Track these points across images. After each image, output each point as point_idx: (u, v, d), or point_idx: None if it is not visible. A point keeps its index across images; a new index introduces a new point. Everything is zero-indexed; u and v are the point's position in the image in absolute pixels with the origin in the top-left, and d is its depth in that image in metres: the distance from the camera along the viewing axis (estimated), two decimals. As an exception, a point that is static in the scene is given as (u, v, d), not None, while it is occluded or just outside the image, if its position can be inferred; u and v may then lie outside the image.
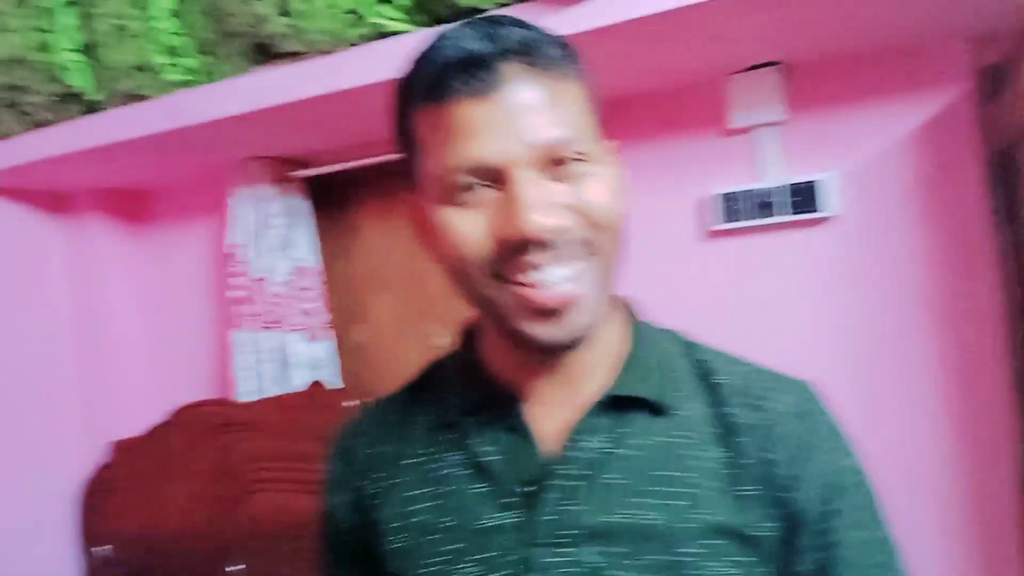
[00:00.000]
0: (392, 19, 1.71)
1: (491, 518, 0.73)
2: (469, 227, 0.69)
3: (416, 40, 0.84)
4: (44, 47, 2.11)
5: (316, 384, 2.29)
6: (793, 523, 0.71)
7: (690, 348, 0.81)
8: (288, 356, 2.36)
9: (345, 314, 2.51)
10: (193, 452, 2.44)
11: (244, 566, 2.29)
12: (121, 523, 2.55)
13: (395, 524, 0.79)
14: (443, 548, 0.75)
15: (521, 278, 0.68)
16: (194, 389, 2.61)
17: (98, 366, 2.67)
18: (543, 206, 0.66)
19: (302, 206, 2.41)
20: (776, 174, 1.88)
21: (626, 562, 0.69)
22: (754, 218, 1.87)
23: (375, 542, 0.81)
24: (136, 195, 2.76)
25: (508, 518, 0.73)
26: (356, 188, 2.49)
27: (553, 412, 0.76)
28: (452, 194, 0.69)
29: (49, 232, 2.65)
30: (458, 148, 0.67)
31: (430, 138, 0.69)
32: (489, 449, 0.76)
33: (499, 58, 0.66)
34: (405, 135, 0.74)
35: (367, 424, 0.87)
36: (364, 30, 1.72)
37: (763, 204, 1.86)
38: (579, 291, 0.69)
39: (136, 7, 1.98)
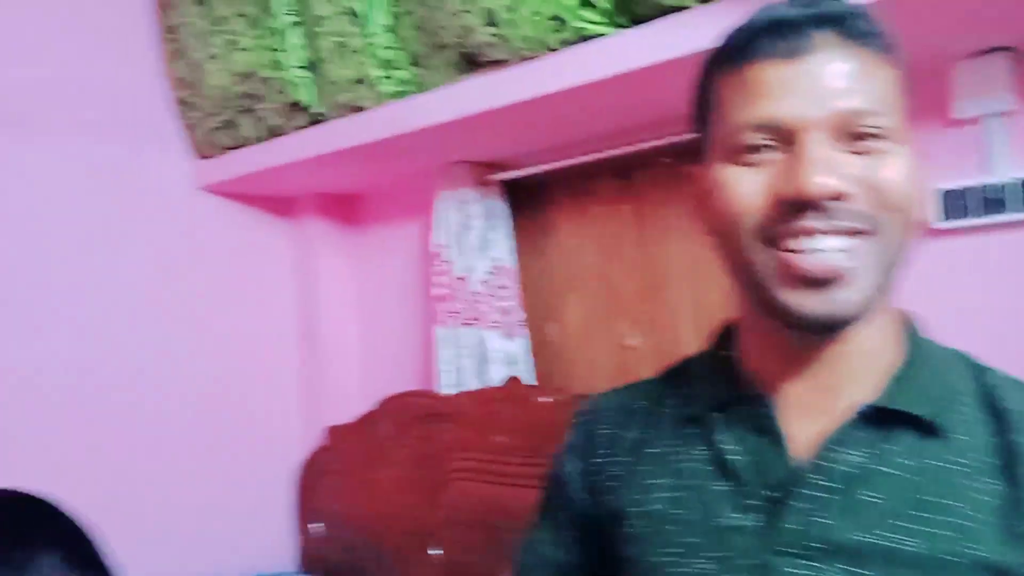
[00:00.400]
0: (594, 23, 1.74)
1: (731, 518, 0.72)
2: (748, 186, 0.68)
3: (616, 42, 0.85)
4: (275, 64, 2.33)
5: (513, 379, 2.37)
6: None
7: (979, 371, 0.74)
8: (487, 352, 2.46)
9: (539, 312, 2.58)
10: (398, 440, 2.60)
11: (442, 551, 2.41)
12: (333, 503, 2.77)
13: (633, 509, 0.79)
14: (679, 540, 0.74)
15: (791, 243, 0.66)
16: (400, 381, 2.78)
17: (315, 357, 2.91)
18: (829, 168, 0.64)
19: (500, 208, 2.50)
20: (1006, 168, 1.72)
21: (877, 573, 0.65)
22: (982, 216, 1.73)
23: (606, 521, 0.82)
24: (350, 199, 2.98)
25: (749, 520, 0.71)
26: (551, 190, 2.55)
27: (808, 418, 0.71)
28: (738, 153, 0.68)
29: (276, 233, 2.93)
30: (755, 106, 0.66)
31: (728, 100, 0.69)
32: (735, 448, 0.73)
33: (811, 24, 0.66)
34: (704, 104, 0.74)
35: (612, 406, 0.87)
36: (567, 35, 1.76)
37: (993, 201, 1.71)
38: (850, 264, 0.65)
39: (355, 25, 2.14)
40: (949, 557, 0.64)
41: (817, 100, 0.65)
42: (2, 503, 0.69)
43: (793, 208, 0.65)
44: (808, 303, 0.66)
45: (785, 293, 0.66)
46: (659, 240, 2.35)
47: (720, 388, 0.77)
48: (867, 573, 0.65)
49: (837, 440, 0.69)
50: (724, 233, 0.70)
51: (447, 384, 2.53)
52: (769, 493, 0.70)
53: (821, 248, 0.65)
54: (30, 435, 2.20)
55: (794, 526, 0.68)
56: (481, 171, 2.48)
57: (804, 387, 0.72)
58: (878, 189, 0.66)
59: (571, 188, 2.51)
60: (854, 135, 0.65)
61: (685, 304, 2.31)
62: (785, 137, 0.66)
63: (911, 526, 0.65)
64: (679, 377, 0.85)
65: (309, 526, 2.80)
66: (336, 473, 2.77)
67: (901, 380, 0.70)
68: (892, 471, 0.68)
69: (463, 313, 2.50)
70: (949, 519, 0.65)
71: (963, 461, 0.67)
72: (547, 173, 2.42)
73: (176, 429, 2.51)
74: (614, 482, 0.82)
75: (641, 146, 2.19)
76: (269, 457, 2.83)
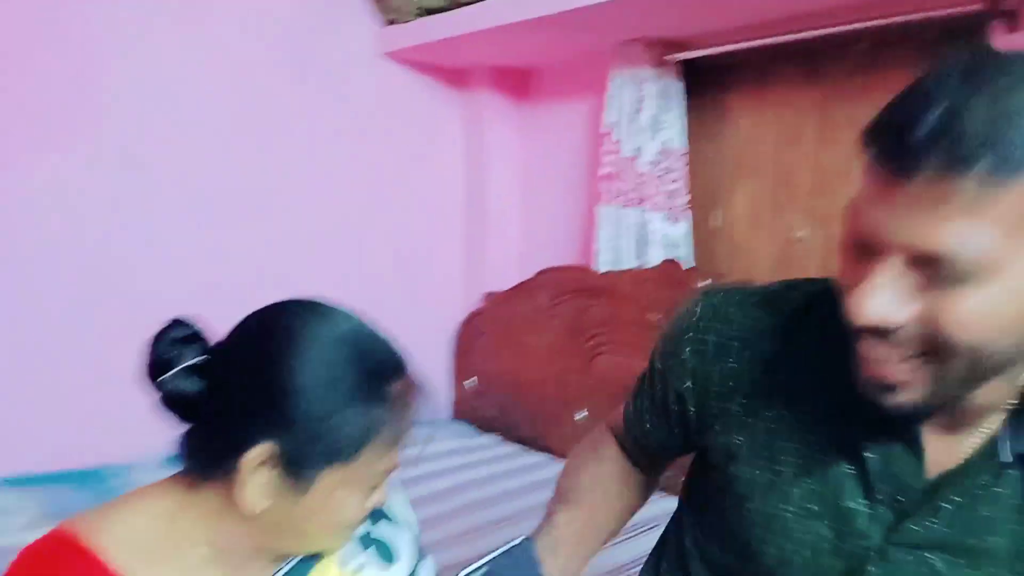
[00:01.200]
0: None
1: (856, 503, 0.79)
2: (845, 269, 0.70)
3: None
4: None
5: (670, 262, 2.41)
6: None
7: None
8: (647, 233, 2.49)
9: (706, 197, 2.57)
10: (553, 310, 2.72)
11: (587, 416, 2.55)
12: (487, 362, 2.96)
13: (752, 452, 0.84)
14: (794, 502, 0.81)
15: (859, 344, 0.69)
16: (558, 255, 2.87)
17: (479, 226, 3.05)
18: (884, 298, 0.63)
19: (676, 88, 2.47)
20: None
21: (964, 570, 0.75)
22: None
23: (711, 443, 0.89)
24: (523, 73, 3.02)
25: (873, 511, 0.78)
26: (731, 73, 2.48)
27: (938, 440, 0.76)
28: (845, 237, 0.69)
29: (450, 104, 3.03)
30: (859, 209, 0.67)
31: (861, 175, 0.68)
32: (877, 450, 0.77)
33: (924, 152, 0.60)
34: None
35: (744, 328, 0.87)
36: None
37: None
38: (904, 378, 0.67)
39: None
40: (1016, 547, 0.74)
41: (894, 229, 0.62)
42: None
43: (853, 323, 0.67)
44: (874, 397, 0.70)
45: (860, 382, 0.71)
46: (841, 132, 2.27)
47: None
48: (959, 562, 0.75)
49: (969, 469, 0.75)
50: (836, 286, 0.73)
51: (604, 262, 2.59)
52: (898, 497, 0.77)
53: (876, 357, 0.67)
54: (216, 301, 2.46)
55: (915, 527, 0.77)
56: (658, 50, 2.45)
57: (944, 416, 0.75)
58: (931, 326, 0.64)
59: (752, 72, 2.44)
60: (930, 266, 0.62)
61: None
62: (872, 251, 0.65)
63: (1006, 526, 0.74)
64: (820, 336, 0.81)
65: (464, 382, 3.02)
66: (492, 335, 2.94)
67: (1018, 422, 0.73)
68: (1000, 491, 0.75)
69: (628, 193, 2.53)
70: None
71: None
72: (727, 55, 2.35)
73: (350, 283, 2.69)
74: (734, 415, 0.86)
75: (830, 31, 2.08)
76: (432, 315, 3.04)
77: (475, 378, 2.98)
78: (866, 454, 0.77)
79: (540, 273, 2.80)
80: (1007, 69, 0.61)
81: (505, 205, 3.06)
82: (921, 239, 0.61)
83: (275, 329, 0.77)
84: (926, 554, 0.77)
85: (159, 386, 0.76)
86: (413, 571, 0.92)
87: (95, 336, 2.27)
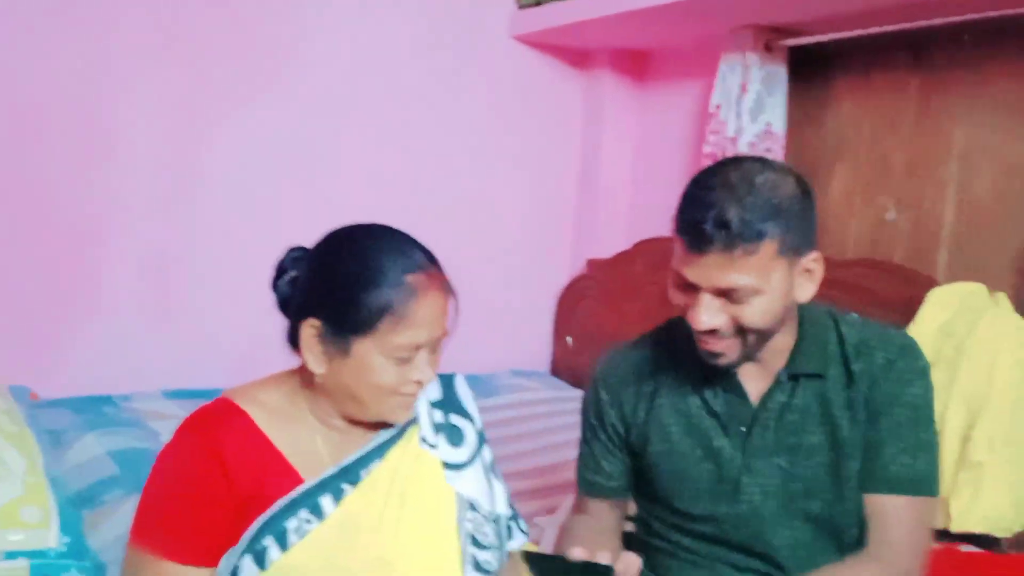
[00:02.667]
0: None
1: (719, 441, 1.22)
2: (678, 298, 1.15)
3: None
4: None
5: (762, 237, 2.53)
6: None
7: (838, 327, 1.21)
8: (742, 209, 2.63)
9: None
10: (650, 278, 2.90)
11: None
12: (586, 323, 3.17)
13: (656, 437, 1.26)
14: (687, 457, 1.23)
15: (698, 335, 1.14)
16: (663, 228, 3.03)
17: (590, 196, 3.26)
18: (708, 315, 1.10)
19: (780, 73, 2.59)
20: None
21: (802, 464, 1.18)
22: None
23: (636, 445, 1.29)
24: (641, 56, 3.20)
25: (730, 440, 1.21)
26: (836, 59, 2.57)
27: (753, 381, 1.21)
28: (674, 279, 1.14)
29: (572, 83, 3.25)
30: (679, 269, 1.12)
31: (675, 245, 1.13)
32: (717, 400, 1.22)
33: (712, 239, 1.05)
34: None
35: (631, 372, 1.30)
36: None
37: None
38: (724, 349, 1.13)
39: None
40: (834, 439, 1.17)
41: (706, 279, 1.08)
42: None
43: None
44: (709, 361, 1.17)
45: (702, 355, 1.17)
46: (940, 119, 2.33)
47: (702, 362, 1.19)
48: (795, 459, 1.18)
49: (770, 393, 1.20)
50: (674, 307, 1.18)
51: (701, 234, 2.74)
52: (740, 427, 1.21)
53: (709, 342, 1.13)
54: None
55: (757, 441, 1.20)
56: (767, 36, 2.57)
57: (749, 365, 1.20)
58: (739, 323, 1.10)
59: (857, 59, 2.52)
60: (728, 293, 1.08)
61: (951, 187, 2.30)
62: (692, 287, 1.11)
63: (814, 428, 1.18)
64: (670, 345, 1.27)
65: (566, 338, 3.25)
66: (592, 299, 3.15)
67: (796, 352, 1.19)
68: (799, 401, 1.19)
69: (727, 171, 2.66)
70: (830, 423, 1.18)
71: (833, 386, 1.19)
72: (834, 42, 2.45)
73: (470, 246, 2.92)
74: (639, 420, 1.28)
75: (937, 21, 2.16)
76: (540, 277, 3.28)
77: (570, 338, 3.20)
78: (715, 407, 1.22)
79: (639, 244, 2.98)
80: (746, 177, 1.07)
81: (616, 179, 3.25)
82: (718, 282, 1.08)
83: (330, 238, 1.06)
84: (772, 458, 1.19)
85: (274, 291, 1.07)
86: (475, 452, 1.16)
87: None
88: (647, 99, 3.20)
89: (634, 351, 1.33)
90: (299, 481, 1.01)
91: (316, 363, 1.01)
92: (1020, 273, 2.15)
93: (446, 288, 1.04)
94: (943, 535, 1.92)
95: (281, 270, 1.06)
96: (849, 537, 1.20)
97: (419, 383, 1.03)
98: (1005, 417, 1.83)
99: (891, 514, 1.15)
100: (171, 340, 2.59)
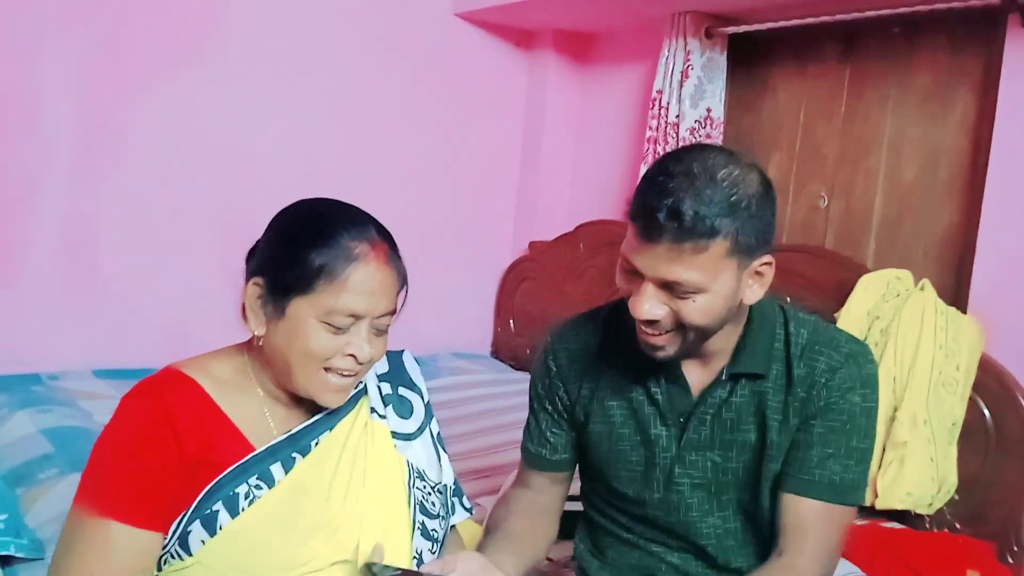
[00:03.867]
0: None
1: (656, 429, 1.23)
2: (622, 282, 1.12)
3: None
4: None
5: (700, 221, 2.58)
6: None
7: (786, 321, 1.21)
8: (682, 194, 2.67)
9: (740, 166, 2.73)
10: (590, 260, 2.93)
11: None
12: (526, 305, 3.19)
13: (597, 416, 1.27)
14: (626, 440, 1.25)
15: (639, 324, 1.13)
16: (602, 210, 3.07)
17: (532, 178, 3.27)
18: (650, 304, 1.08)
19: (720, 60, 2.63)
20: None
21: (734, 459, 1.19)
22: None
23: (578, 419, 1.29)
24: (583, 37, 3.21)
25: (668, 430, 1.22)
26: (774, 48, 2.63)
27: (696, 375, 1.21)
28: (622, 263, 1.11)
29: (515, 62, 3.24)
30: (626, 255, 1.10)
31: (628, 229, 1.11)
32: (659, 390, 1.22)
33: (662, 216, 1.02)
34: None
35: (579, 342, 1.30)
36: None
37: None
38: (664, 343, 1.12)
39: None
40: (768, 440, 1.17)
41: (652, 269, 1.06)
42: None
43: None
44: (650, 353, 1.14)
45: (641, 345, 1.15)
46: (870, 109, 2.40)
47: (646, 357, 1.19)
48: (729, 454, 1.19)
49: (710, 388, 1.20)
50: (618, 285, 1.15)
51: (642, 218, 2.78)
52: (679, 418, 1.21)
53: (649, 333, 1.12)
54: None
55: (692, 434, 1.21)
56: (708, 23, 2.61)
57: (692, 361, 1.20)
58: (679, 317, 1.08)
59: (792, 49, 2.58)
60: (673, 288, 1.06)
61: (880, 174, 2.38)
62: (638, 274, 1.08)
63: (748, 427, 1.18)
64: (618, 329, 1.25)
65: (511, 320, 3.26)
66: (533, 281, 3.17)
67: (739, 351, 1.18)
68: (737, 400, 1.19)
69: (668, 155, 2.70)
70: (764, 422, 1.18)
71: (772, 387, 1.18)
72: (771, 31, 2.50)
73: (408, 225, 2.88)
74: (584, 397, 1.29)
75: (867, 14, 2.22)
76: (481, 259, 3.28)
77: (511, 319, 3.22)
78: (657, 396, 1.22)
79: (581, 226, 3.01)
80: (708, 168, 1.04)
81: (558, 161, 3.26)
82: (664, 274, 1.06)
83: (291, 205, 1.07)
84: (706, 452, 1.21)
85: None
86: (424, 424, 1.18)
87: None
88: (590, 81, 3.22)
89: (585, 325, 1.32)
90: (249, 448, 1.01)
91: (257, 324, 1.01)
92: (943, 259, 2.25)
93: (393, 265, 1.03)
94: (868, 511, 2.01)
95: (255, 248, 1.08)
96: (774, 528, 1.21)
97: (353, 358, 1.00)
98: (926, 398, 1.91)
99: (809, 520, 1.15)
100: (97, 315, 2.52)
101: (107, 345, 2.53)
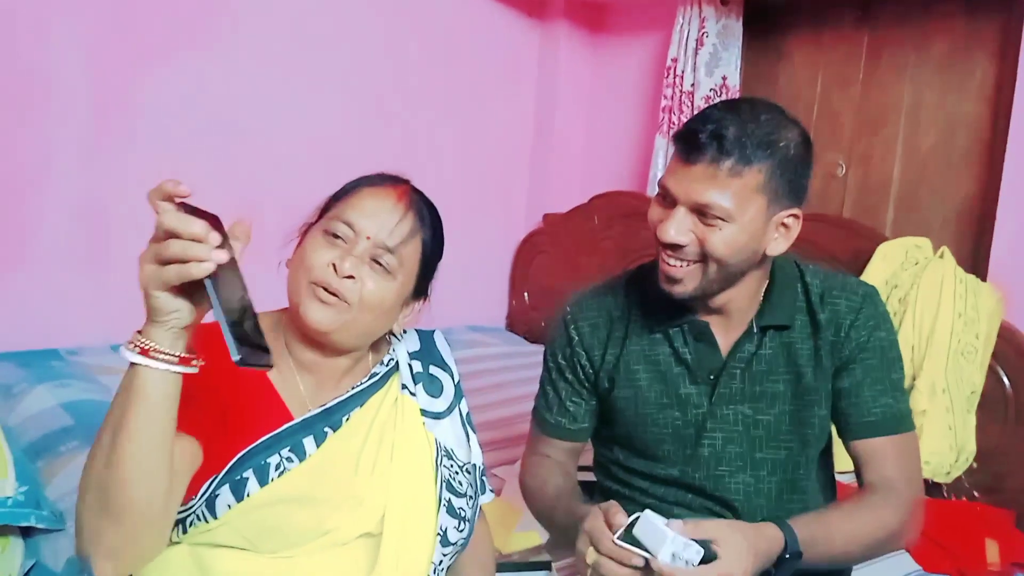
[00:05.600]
0: None
1: (687, 388, 1.24)
2: (655, 209, 1.16)
3: None
4: None
5: (716, 191, 2.57)
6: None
7: (802, 273, 1.25)
8: (697, 164, 2.65)
9: (756, 135, 2.70)
10: (605, 232, 2.92)
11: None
12: (540, 278, 3.19)
13: (623, 382, 1.27)
14: (652, 403, 1.25)
15: (663, 254, 1.15)
16: (617, 181, 3.05)
17: (545, 148, 3.25)
18: (677, 228, 1.10)
19: (735, 28, 2.59)
20: None
21: (765, 411, 1.21)
22: None
23: (603, 387, 1.30)
24: (596, 6, 3.17)
25: (698, 387, 1.23)
26: (790, 15, 2.59)
27: (723, 332, 1.23)
28: (658, 192, 1.16)
29: (527, 32, 3.21)
30: (666, 177, 1.14)
31: (671, 158, 1.16)
32: (687, 349, 1.24)
33: (706, 148, 1.07)
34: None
35: (602, 316, 1.31)
36: None
37: None
38: (682, 276, 1.14)
39: None
40: (796, 389, 1.20)
41: (687, 190, 1.09)
42: None
43: (661, 241, 1.13)
44: (665, 287, 1.17)
45: (660, 280, 1.17)
46: (888, 76, 2.37)
47: (675, 311, 1.23)
48: (759, 405, 1.22)
49: (739, 344, 1.22)
50: (650, 222, 1.17)
51: (655, 189, 2.76)
52: (709, 376, 1.23)
53: (671, 264, 1.14)
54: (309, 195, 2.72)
55: (723, 390, 1.22)
56: (724, -11, 2.57)
57: (719, 316, 1.22)
58: (703, 245, 1.11)
59: (809, 15, 2.54)
60: (703, 211, 1.09)
61: (898, 143, 2.35)
62: (672, 201, 1.12)
63: (777, 378, 1.21)
64: (643, 290, 1.27)
65: (524, 293, 3.26)
66: (548, 254, 3.16)
67: (765, 304, 1.22)
68: (766, 352, 1.22)
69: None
70: (795, 371, 1.21)
71: (800, 336, 1.22)
72: (789, -2, 2.46)
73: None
74: (609, 363, 1.29)
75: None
76: (495, 233, 3.27)
77: (527, 292, 3.22)
78: (686, 356, 1.24)
79: (595, 198, 2.99)
80: (754, 109, 1.09)
81: (572, 132, 3.24)
82: (696, 197, 1.08)
83: None
84: (737, 406, 1.23)
85: None
86: (453, 403, 1.18)
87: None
88: (603, 51, 3.18)
89: (604, 295, 1.33)
90: (287, 413, 1.01)
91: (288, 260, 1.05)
92: (961, 228, 2.22)
93: (408, 206, 1.06)
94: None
95: None
96: (805, 486, 1.24)
97: (334, 267, 0.98)
98: (945, 366, 1.90)
99: (881, 455, 1.20)
100: (113, 291, 2.51)
101: (123, 320, 2.50)
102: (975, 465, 1.95)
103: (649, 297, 1.25)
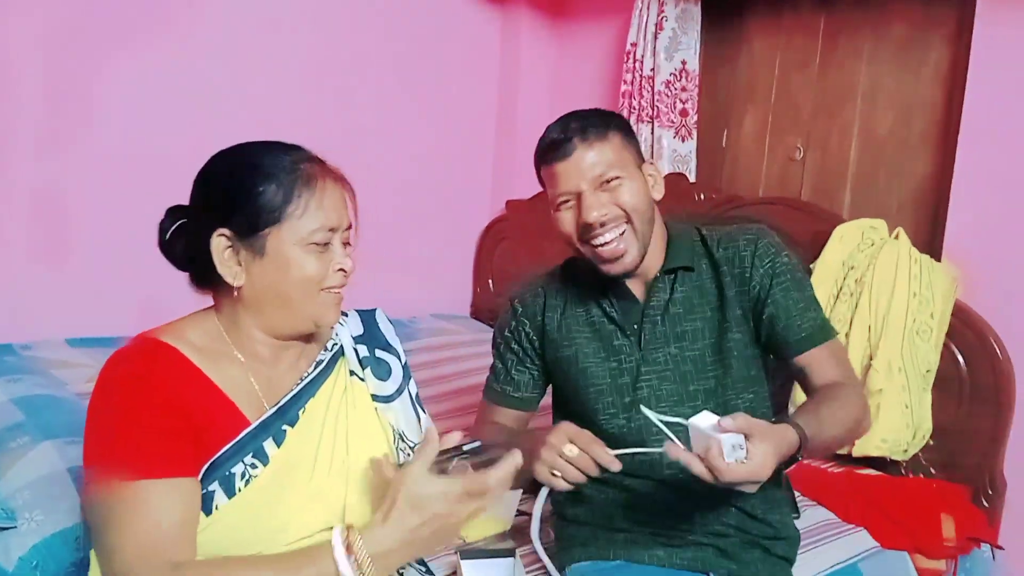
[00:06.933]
0: None
1: (619, 340, 1.38)
2: (567, 219, 1.31)
3: None
4: None
5: (677, 175, 2.58)
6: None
7: (699, 229, 1.42)
8: (660, 149, 2.66)
9: (715, 117, 2.71)
10: (568, 218, 2.92)
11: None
12: (504, 264, 3.18)
13: (564, 342, 1.41)
14: (591, 356, 1.39)
15: (594, 241, 1.30)
16: (577, 167, 3.04)
17: (508, 136, 3.23)
18: (595, 206, 1.27)
19: (694, 12, 2.60)
20: None
21: (690, 348, 1.35)
22: None
23: (548, 352, 1.44)
24: (558, -7, 3.15)
25: (628, 339, 1.37)
26: (748, 0, 2.60)
27: (638, 285, 1.38)
28: (559, 205, 1.32)
29: (488, 18, 3.18)
30: (556, 187, 1.32)
31: (547, 182, 1.35)
32: (613, 307, 1.38)
33: (570, 136, 1.28)
34: (540, 177, 1.38)
35: (542, 289, 1.47)
36: None
37: None
38: (624, 244, 1.29)
39: None
40: (711, 325, 1.35)
41: (582, 177, 1.28)
42: None
43: (587, 227, 1.28)
44: (614, 269, 1.32)
45: (603, 266, 1.32)
46: (845, 59, 2.39)
47: (600, 281, 1.37)
48: (683, 344, 1.35)
49: (653, 289, 1.37)
50: (567, 237, 1.33)
51: (618, 174, 2.77)
52: (635, 325, 1.37)
53: (606, 241, 1.29)
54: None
55: (648, 335, 1.36)
56: (683, -27, 2.57)
57: (635, 277, 1.37)
58: (621, 203, 1.28)
59: (770, 1, 2.55)
60: (604, 182, 1.28)
61: (856, 127, 2.37)
62: (576, 197, 1.29)
63: (694, 316, 1.36)
64: (573, 272, 1.44)
65: (488, 280, 3.25)
66: (511, 240, 3.15)
67: (670, 251, 1.37)
68: (679, 295, 1.36)
69: (643, 110, 2.68)
70: (707, 311, 1.36)
71: (704, 279, 1.37)
72: (747, -19, 2.46)
73: (384, 186, 2.82)
74: (550, 328, 1.44)
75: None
76: (458, 220, 3.25)
77: (491, 278, 3.21)
78: (612, 313, 1.38)
79: (559, 183, 2.98)
80: (577, 111, 1.35)
81: (534, 118, 3.21)
82: (588, 172, 1.27)
83: (213, 159, 1.06)
84: (663, 348, 1.36)
85: (165, 253, 1.05)
86: (402, 385, 1.18)
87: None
88: (564, 36, 3.17)
89: (544, 277, 1.50)
90: (241, 417, 1.00)
91: (234, 276, 1.00)
92: (917, 210, 2.26)
93: (340, 178, 1.06)
94: (843, 459, 2.04)
95: (164, 228, 1.05)
96: (737, 406, 1.35)
97: (343, 271, 1.03)
98: (901, 345, 1.93)
99: (821, 361, 1.33)
100: (70, 285, 2.48)
101: (80, 314, 2.49)
102: (931, 442, 1.98)
103: (580, 275, 1.42)
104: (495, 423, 1.47)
